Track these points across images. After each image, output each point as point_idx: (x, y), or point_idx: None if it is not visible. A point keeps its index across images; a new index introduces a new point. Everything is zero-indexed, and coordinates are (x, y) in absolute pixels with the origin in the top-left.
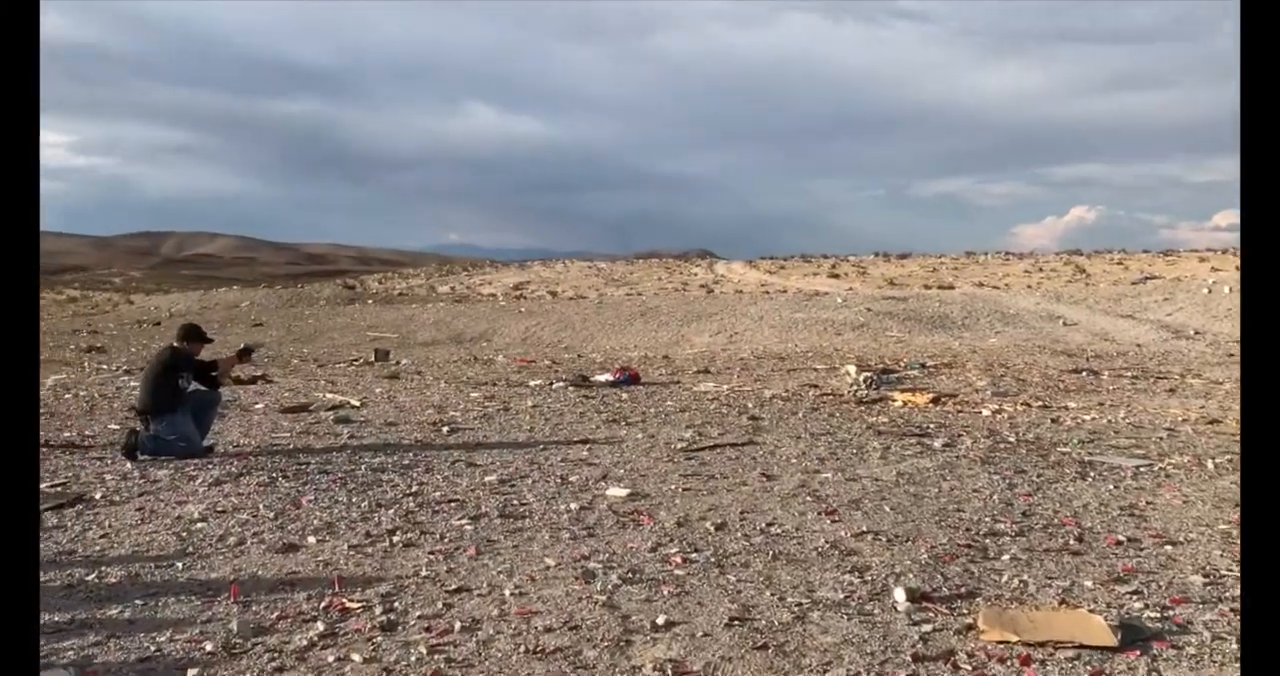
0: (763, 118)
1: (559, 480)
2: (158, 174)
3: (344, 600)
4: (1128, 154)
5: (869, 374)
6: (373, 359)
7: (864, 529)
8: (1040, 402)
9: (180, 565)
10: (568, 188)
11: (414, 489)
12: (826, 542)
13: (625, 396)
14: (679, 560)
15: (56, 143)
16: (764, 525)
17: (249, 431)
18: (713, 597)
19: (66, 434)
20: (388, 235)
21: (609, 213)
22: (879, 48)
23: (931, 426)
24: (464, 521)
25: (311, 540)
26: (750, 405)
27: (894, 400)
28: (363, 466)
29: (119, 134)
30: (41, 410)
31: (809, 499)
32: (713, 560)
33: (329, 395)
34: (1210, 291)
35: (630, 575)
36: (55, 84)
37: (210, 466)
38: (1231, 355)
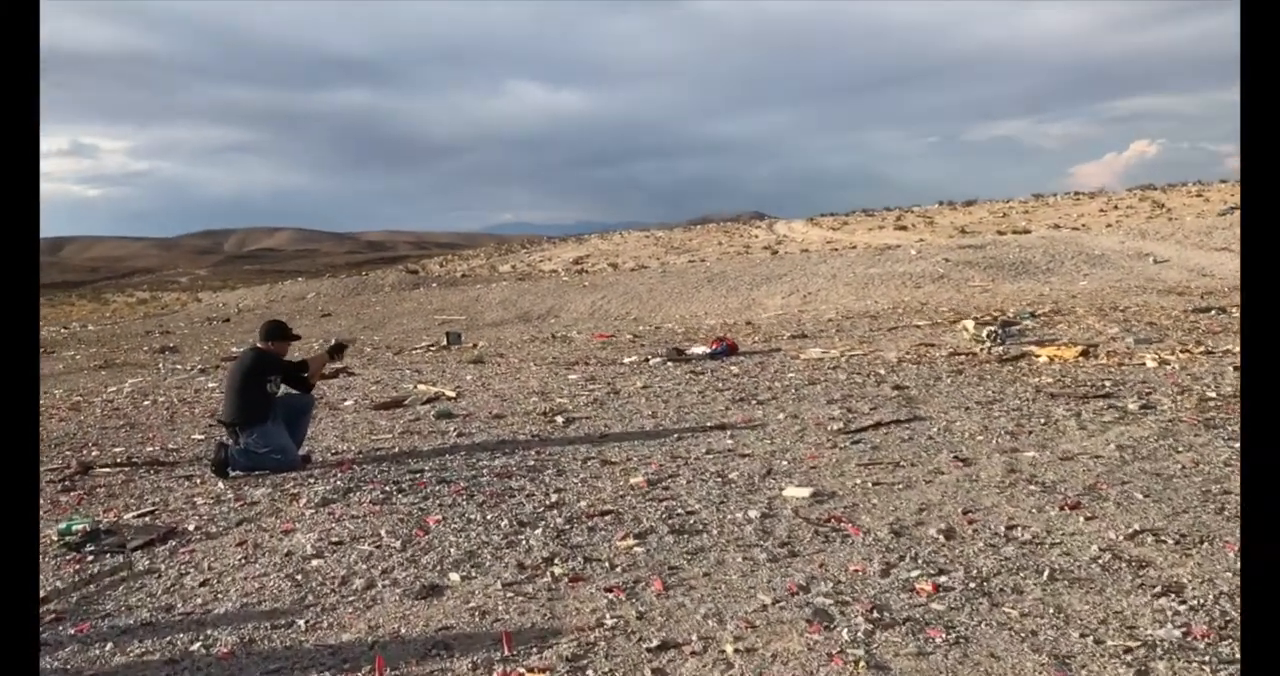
0: (807, 73)
1: (717, 478)
2: (215, 173)
3: (520, 669)
4: (1187, 83)
5: (992, 328)
6: (445, 342)
7: (1133, 527)
8: (1201, 348)
9: (302, 623)
10: (616, 159)
11: (553, 498)
12: (1100, 549)
13: (734, 370)
14: (929, 588)
15: (114, 149)
16: (1002, 528)
17: (344, 434)
18: (1006, 646)
19: (150, 449)
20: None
21: (659, 181)
22: None
23: (1108, 384)
24: (629, 541)
25: (455, 578)
26: (882, 372)
27: (1036, 355)
28: (484, 471)
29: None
30: (121, 421)
31: (1032, 487)
32: (972, 586)
33: (420, 386)
34: None
35: (877, 615)
36: (108, 90)
37: (311, 480)
38: None
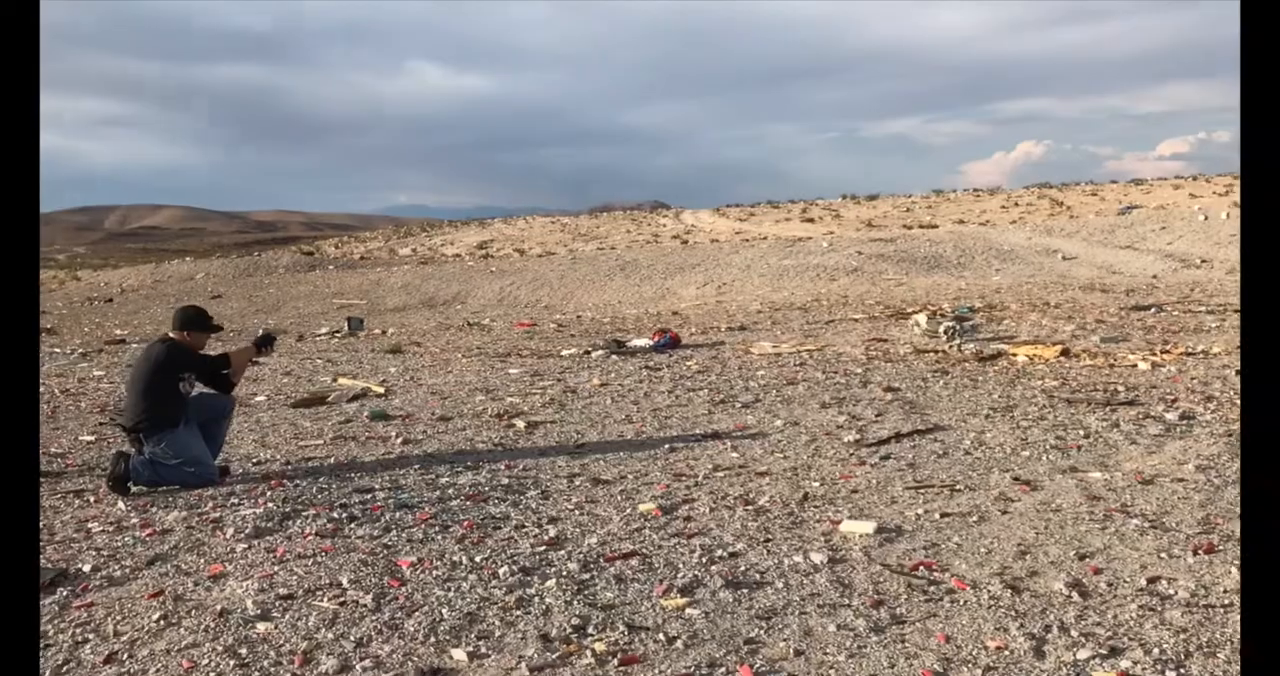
0: (713, 66)
1: (745, 504)
2: (97, 147)
3: None
4: (1073, 87)
5: (949, 323)
6: (346, 328)
7: None
8: (1181, 349)
9: None
10: (518, 144)
11: (550, 532)
12: None
13: (692, 365)
14: None
15: None
16: (1142, 581)
17: (264, 438)
18: None
19: None
20: (336, 200)
21: (561, 168)
22: None
23: (1121, 389)
24: (677, 599)
25: (459, 656)
26: (859, 371)
27: (1013, 354)
28: (449, 492)
29: (54, 108)
30: None
31: (1133, 520)
32: (1174, 668)
33: (341, 380)
34: (1208, 219)
35: None
36: None
37: (235, 501)
38: None
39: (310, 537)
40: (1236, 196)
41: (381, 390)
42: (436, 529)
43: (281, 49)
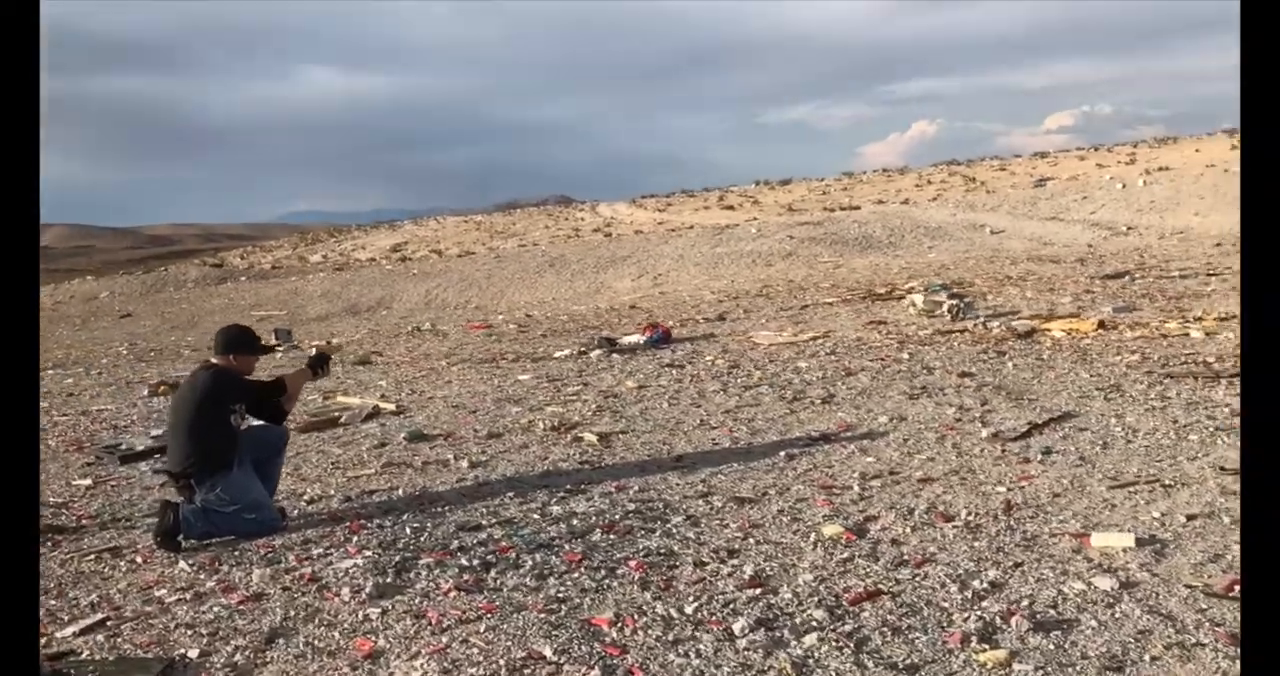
0: (609, 60)
1: (944, 520)
2: None
3: None
4: (962, 67)
5: (953, 301)
6: (274, 340)
7: None
8: (1213, 315)
9: None
10: (416, 144)
11: (748, 571)
12: None
13: (719, 362)
14: None
15: None
16: None
17: (297, 470)
18: None
19: None
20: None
21: (462, 166)
22: None
23: (1211, 360)
24: (984, 649)
25: None
26: (904, 356)
27: (1047, 330)
28: (575, 523)
29: None
30: None
31: None
32: None
33: (341, 398)
34: (1125, 187)
35: None
36: None
37: (321, 552)
38: (1217, 246)
39: (453, 594)
40: (1143, 165)
41: (393, 407)
42: (601, 573)
43: (167, 58)
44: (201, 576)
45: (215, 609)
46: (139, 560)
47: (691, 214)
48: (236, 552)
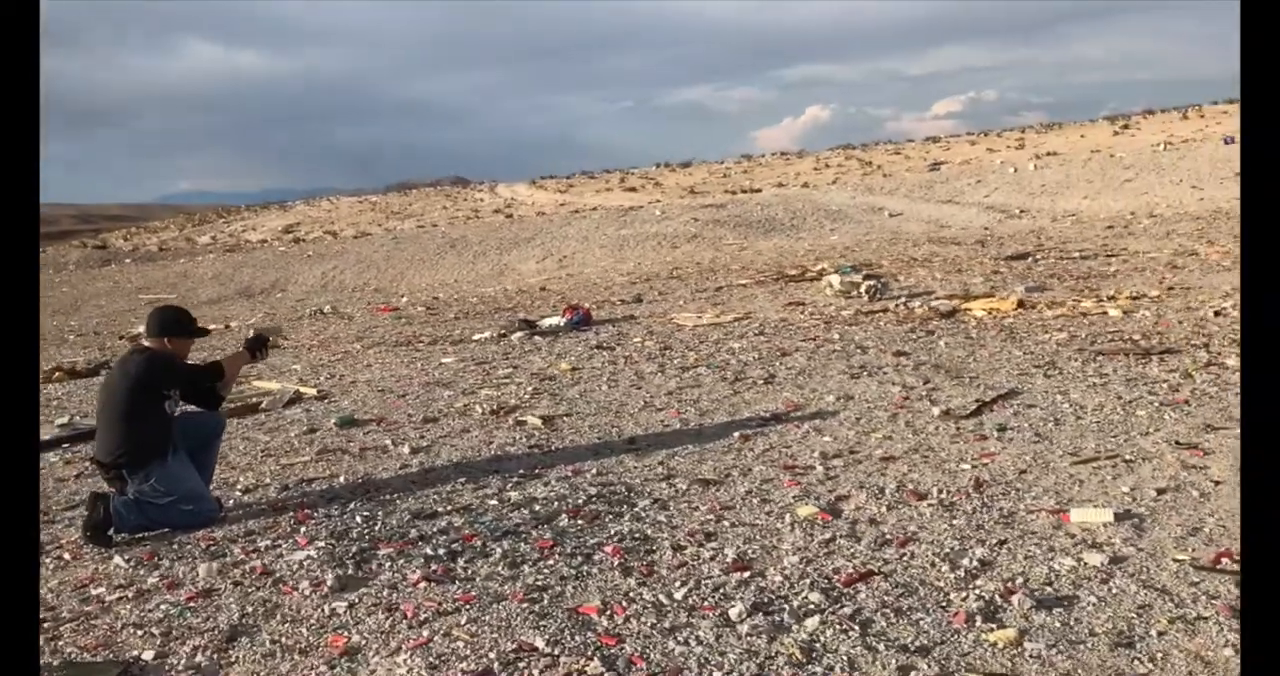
0: (503, 38)
1: (916, 498)
2: None
3: None
4: (853, 52)
5: (871, 282)
6: None
7: None
8: (1127, 293)
9: None
10: (304, 123)
11: (729, 554)
12: None
13: (649, 344)
14: None
15: None
16: None
17: (226, 458)
18: None
19: None
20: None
21: (351, 146)
22: None
23: (1137, 338)
24: (991, 629)
25: None
26: (834, 337)
27: (968, 309)
28: (538, 509)
29: None
30: None
31: None
32: None
33: (256, 383)
34: (1017, 171)
35: None
36: None
37: (268, 544)
38: (1110, 228)
39: (422, 585)
40: (1032, 149)
41: (314, 392)
42: (578, 559)
43: (41, 32)
44: (140, 572)
45: (163, 606)
46: (66, 557)
47: (594, 195)
48: (175, 546)
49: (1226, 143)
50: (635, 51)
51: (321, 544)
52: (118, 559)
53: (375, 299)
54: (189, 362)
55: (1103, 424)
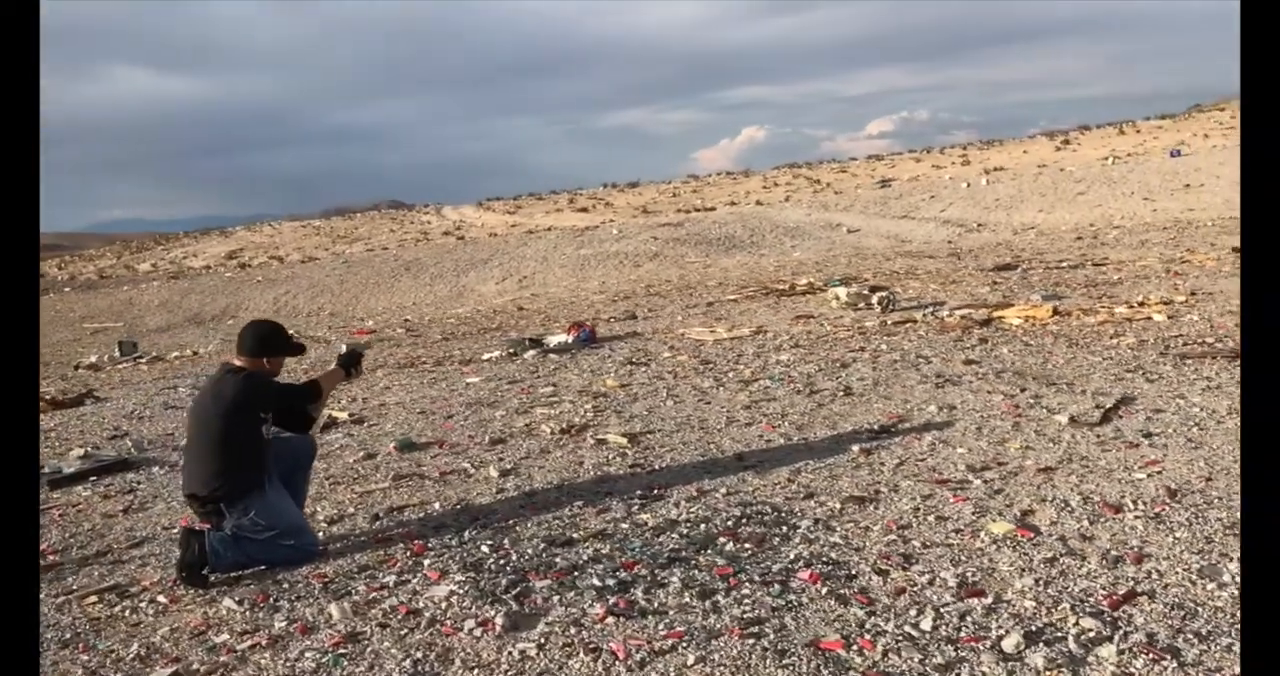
0: (439, 62)
1: (1113, 511)
2: None
3: None
4: (789, 73)
5: (883, 293)
6: (118, 353)
7: None
8: (1157, 300)
9: None
10: (238, 149)
11: (947, 580)
12: None
13: (683, 359)
14: None
15: None
16: None
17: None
18: None
19: None
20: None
21: (286, 171)
22: None
23: (1210, 342)
24: None
25: None
26: (884, 347)
27: (1003, 318)
28: (685, 534)
29: None
30: None
31: None
32: None
33: None
34: (970, 186)
35: None
36: None
37: (390, 578)
38: (1078, 239)
39: (610, 619)
40: (977, 166)
41: (346, 416)
42: (775, 586)
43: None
44: (261, 615)
45: (309, 654)
46: (162, 600)
47: (544, 216)
48: (285, 585)
49: (1172, 155)
50: (572, 75)
51: (459, 577)
52: (228, 601)
53: (332, 323)
54: (286, 384)
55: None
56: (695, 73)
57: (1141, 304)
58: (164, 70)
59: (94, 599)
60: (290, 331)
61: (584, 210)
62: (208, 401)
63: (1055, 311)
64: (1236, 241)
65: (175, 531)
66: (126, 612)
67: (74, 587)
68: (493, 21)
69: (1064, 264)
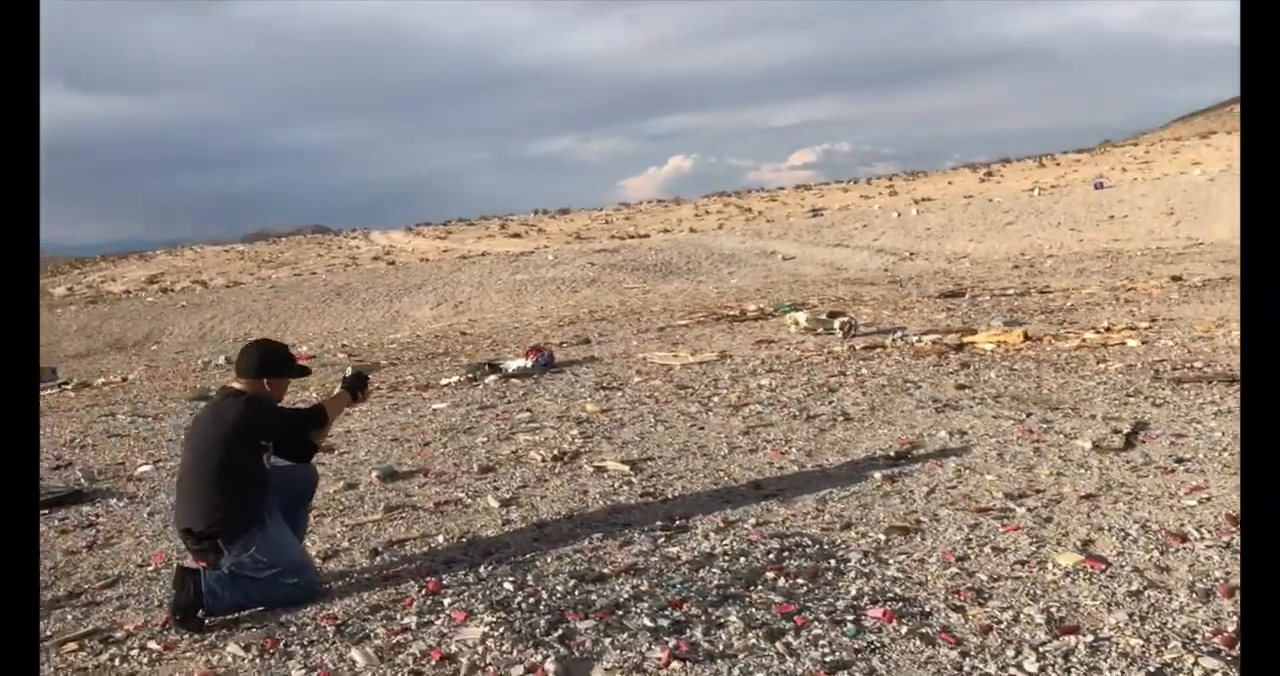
0: (363, 87)
1: (1179, 540)
2: None
3: None
4: (714, 103)
5: (846, 320)
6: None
7: None
8: (1123, 326)
9: None
10: (155, 172)
11: (1071, 629)
12: None
13: (654, 383)
14: None
15: None
16: None
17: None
18: None
19: None
20: None
21: (204, 195)
22: (468, 10)
23: (1201, 366)
24: None
25: None
26: (866, 371)
27: (975, 343)
28: (731, 568)
29: None
30: None
31: None
32: None
33: None
34: (900, 216)
35: None
36: None
37: (413, 620)
38: (1015, 268)
39: (675, 665)
40: (904, 196)
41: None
42: (848, 626)
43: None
44: (273, 663)
45: None
46: (155, 647)
47: (476, 242)
48: (292, 629)
49: (1096, 187)
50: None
51: (489, 618)
52: (232, 647)
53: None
54: (291, 408)
55: None
56: (622, 101)
57: (1109, 329)
58: (81, 89)
59: (74, 646)
60: (289, 349)
61: (517, 236)
62: (206, 427)
63: (1027, 337)
64: (1172, 271)
65: (151, 569)
66: (116, 661)
67: (48, 633)
68: (421, 46)
69: (1009, 291)
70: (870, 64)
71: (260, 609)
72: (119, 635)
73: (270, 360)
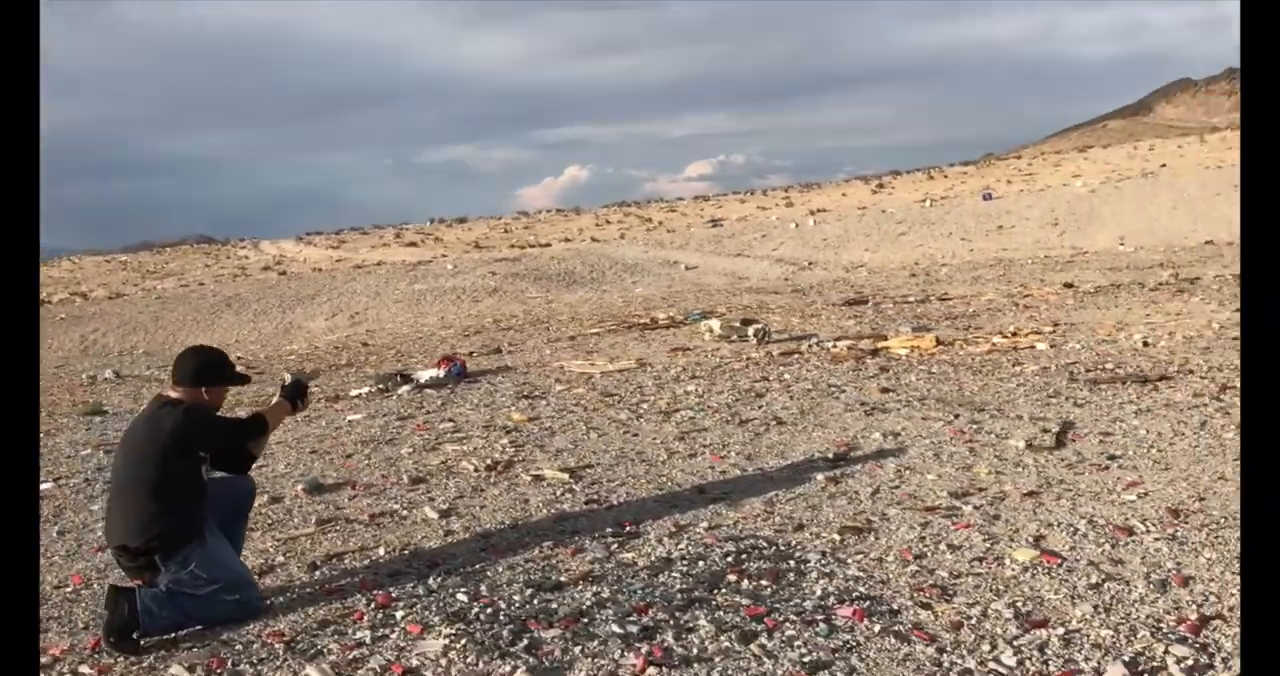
0: (255, 92)
1: (1125, 533)
2: None
3: None
4: (610, 114)
5: (758, 326)
6: None
7: None
8: (1029, 330)
9: None
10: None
11: (1039, 622)
12: None
13: (577, 391)
14: None
15: None
16: None
17: None
18: None
19: None
20: None
21: (84, 203)
22: (360, 16)
23: (1111, 366)
24: None
25: None
26: (789, 376)
27: (890, 348)
28: (691, 572)
29: None
30: None
31: None
32: None
33: None
34: (798, 226)
35: None
36: None
37: (367, 636)
38: (912, 276)
39: (649, 671)
40: (800, 207)
41: None
42: (820, 625)
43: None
44: None
45: None
46: (88, 671)
47: (370, 251)
48: (238, 647)
49: (985, 198)
50: (396, 110)
51: (447, 629)
52: (175, 669)
53: (150, 362)
54: (230, 417)
55: (1206, 448)
56: (517, 110)
57: (1015, 334)
58: None
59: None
60: (229, 356)
61: (413, 244)
62: (141, 438)
63: (939, 342)
64: (1064, 278)
65: (70, 591)
66: None
67: None
68: (311, 53)
69: (910, 299)
70: (763, 78)
71: (199, 627)
72: (44, 661)
73: (208, 367)
